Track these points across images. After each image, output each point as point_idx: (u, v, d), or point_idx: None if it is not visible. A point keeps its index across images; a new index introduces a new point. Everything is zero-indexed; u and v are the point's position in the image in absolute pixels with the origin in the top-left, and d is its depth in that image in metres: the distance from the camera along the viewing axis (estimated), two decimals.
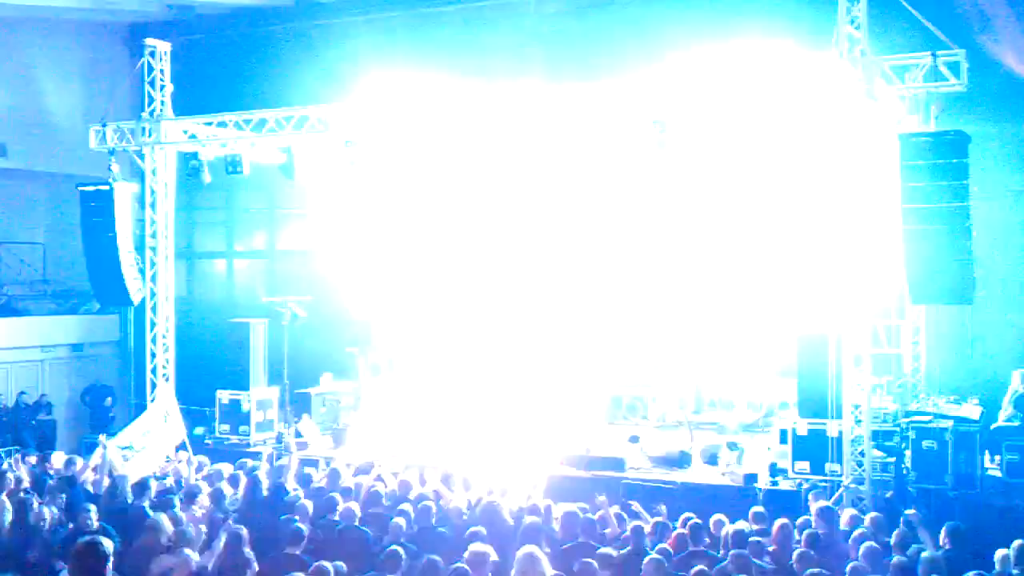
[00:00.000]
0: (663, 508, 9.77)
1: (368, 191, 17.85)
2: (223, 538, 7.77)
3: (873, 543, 7.83)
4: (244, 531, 7.75)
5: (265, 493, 9.73)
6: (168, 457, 12.65)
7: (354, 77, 17.41)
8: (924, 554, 7.48)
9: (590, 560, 7.27)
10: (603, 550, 7.74)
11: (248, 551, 7.58)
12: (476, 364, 16.54)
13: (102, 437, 11.59)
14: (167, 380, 14.00)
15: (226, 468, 11.29)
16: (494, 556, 6.98)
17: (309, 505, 9.08)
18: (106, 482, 10.37)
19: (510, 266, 19.35)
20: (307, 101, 13.72)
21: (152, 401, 13.07)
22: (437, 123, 13.23)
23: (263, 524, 8.55)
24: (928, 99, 11.15)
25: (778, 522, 8.53)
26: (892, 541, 8.21)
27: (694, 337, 16.58)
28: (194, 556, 7.40)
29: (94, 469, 11.02)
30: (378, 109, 13.21)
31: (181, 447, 12.70)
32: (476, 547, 6.98)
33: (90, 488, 10.25)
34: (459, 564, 6.76)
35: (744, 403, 15.95)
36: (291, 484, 10.45)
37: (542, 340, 16.85)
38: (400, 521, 8.50)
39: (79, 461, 11.24)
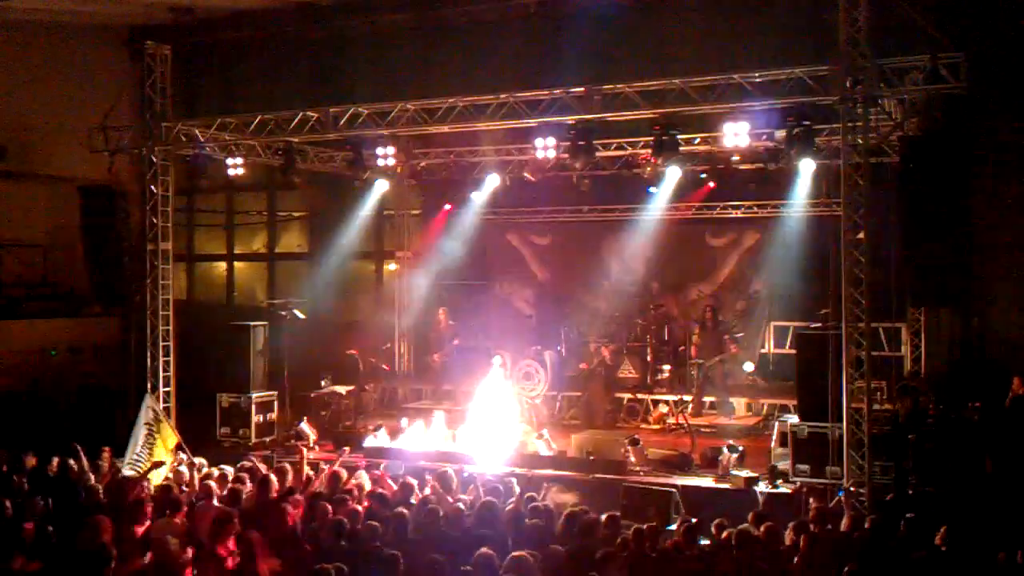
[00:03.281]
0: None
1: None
2: None
3: (873, 546, 7.83)
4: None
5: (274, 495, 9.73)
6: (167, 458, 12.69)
7: (354, 80, 17.47)
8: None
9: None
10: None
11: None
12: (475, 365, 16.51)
13: (107, 451, 11.68)
14: (163, 383, 13.96)
15: (227, 469, 11.27)
16: (499, 561, 7.00)
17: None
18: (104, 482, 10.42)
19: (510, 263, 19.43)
20: (307, 104, 13.70)
21: (141, 410, 13.04)
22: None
23: (270, 525, 8.56)
24: (929, 101, 11.15)
25: (764, 525, 8.54)
26: (893, 544, 8.22)
27: (694, 340, 16.62)
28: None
29: (92, 472, 11.06)
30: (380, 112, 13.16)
31: (179, 448, 12.74)
32: (482, 551, 7.01)
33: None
34: (463, 567, 6.79)
35: (744, 406, 15.96)
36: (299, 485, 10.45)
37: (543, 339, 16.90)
38: (400, 523, 8.50)
39: (74, 464, 11.25)
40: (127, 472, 11.60)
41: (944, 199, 10.21)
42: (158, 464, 11.87)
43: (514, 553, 6.97)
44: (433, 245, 19.05)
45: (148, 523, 8.63)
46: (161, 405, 13.13)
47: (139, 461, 11.97)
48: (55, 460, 11.29)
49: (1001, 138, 14.63)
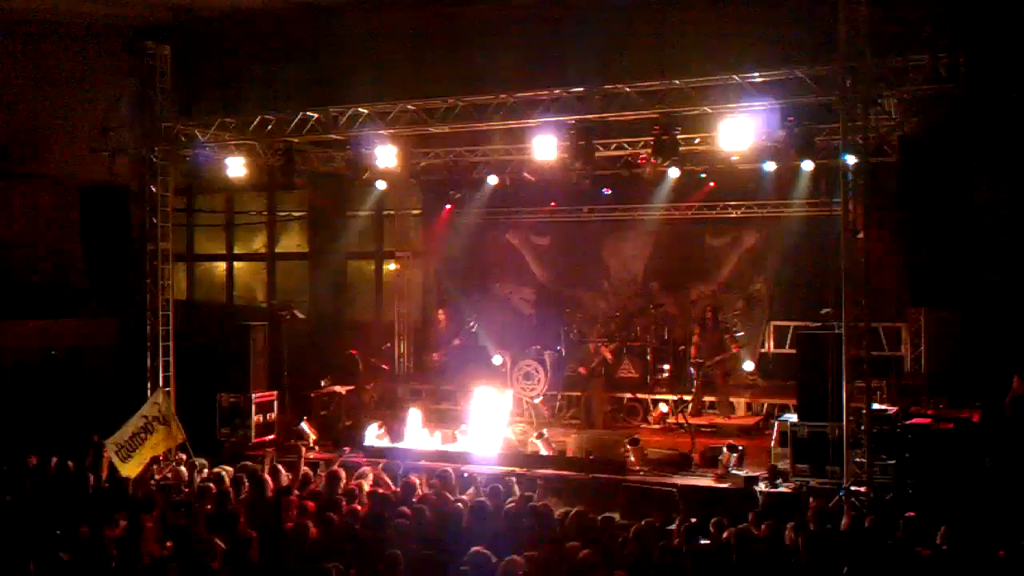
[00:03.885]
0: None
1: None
2: None
3: (873, 546, 7.83)
4: None
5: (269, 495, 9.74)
6: (167, 458, 12.71)
7: (354, 80, 17.45)
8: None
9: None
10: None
11: None
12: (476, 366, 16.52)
13: (96, 437, 11.64)
14: (163, 383, 13.96)
15: (227, 470, 11.28)
16: (494, 559, 7.00)
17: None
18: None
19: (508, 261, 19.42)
20: (308, 104, 13.70)
21: (145, 402, 13.02)
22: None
23: (266, 525, 8.56)
24: (928, 100, 11.15)
25: (764, 525, 8.53)
26: (892, 544, 8.22)
27: (694, 339, 16.60)
28: None
29: (90, 468, 11.07)
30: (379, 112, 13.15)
31: (181, 449, 12.77)
32: (477, 550, 7.00)
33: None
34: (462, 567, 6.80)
35: (744, 406, 15.96)
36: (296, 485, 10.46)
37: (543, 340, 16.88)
38: (401, 523, 8.50)
39: (71, 464, 11.26)
40: (113, 457, 11.56)
41: (944, 199, 10.21)
42: (155, 460, 11.89)
43: (509, 557, 6.95)
44: (433, 245, 19.05)
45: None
46: (166, 404, 13.08)
47: (123, 448, 11.93)
48: (54, 460, 11.30)
49: (1001, 137, 14.61)
